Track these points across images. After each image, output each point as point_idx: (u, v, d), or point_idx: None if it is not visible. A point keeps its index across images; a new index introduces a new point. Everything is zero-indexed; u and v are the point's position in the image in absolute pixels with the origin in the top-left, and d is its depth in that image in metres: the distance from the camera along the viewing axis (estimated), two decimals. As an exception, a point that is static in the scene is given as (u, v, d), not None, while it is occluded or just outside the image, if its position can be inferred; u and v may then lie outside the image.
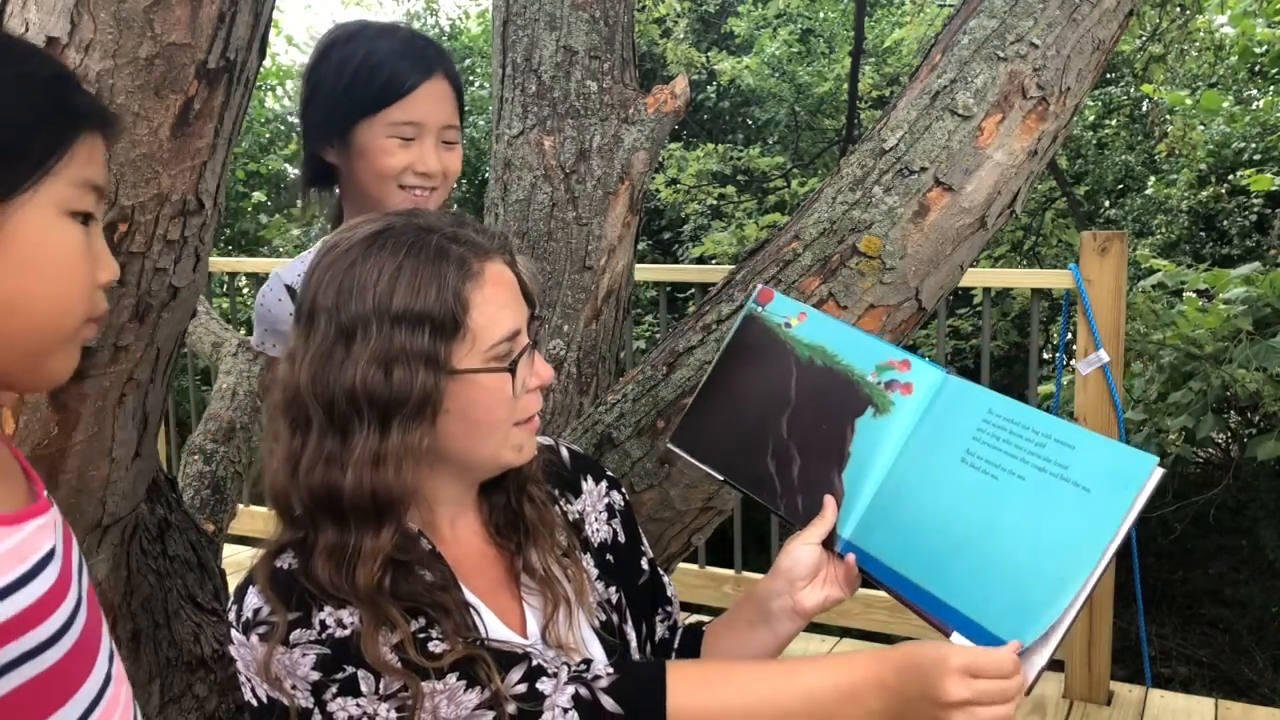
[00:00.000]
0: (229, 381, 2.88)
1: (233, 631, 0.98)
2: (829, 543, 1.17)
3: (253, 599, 0.97)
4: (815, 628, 3.61)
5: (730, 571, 3.62)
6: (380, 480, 0.95)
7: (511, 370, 1.01)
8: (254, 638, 0.95)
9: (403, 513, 0.98)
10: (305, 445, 0.97)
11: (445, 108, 1.48)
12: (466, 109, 1.68)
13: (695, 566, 3.62)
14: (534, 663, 0.97)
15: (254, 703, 0.98)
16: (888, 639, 3.44)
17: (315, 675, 0.93)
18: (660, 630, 1.25)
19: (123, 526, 1.55)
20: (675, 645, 1.26)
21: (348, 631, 0.94)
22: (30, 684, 0.81)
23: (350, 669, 0.93)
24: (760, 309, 1.30)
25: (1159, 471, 0.99)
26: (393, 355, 0.95)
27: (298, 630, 0.94)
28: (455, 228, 1.01)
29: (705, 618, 3.67)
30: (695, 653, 1.24)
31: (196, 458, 2.66)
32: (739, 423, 1.26)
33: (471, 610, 1.02)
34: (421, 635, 0.96)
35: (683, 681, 0.96)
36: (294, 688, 0.93)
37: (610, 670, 0.98)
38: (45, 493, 0.89)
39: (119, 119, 0.96)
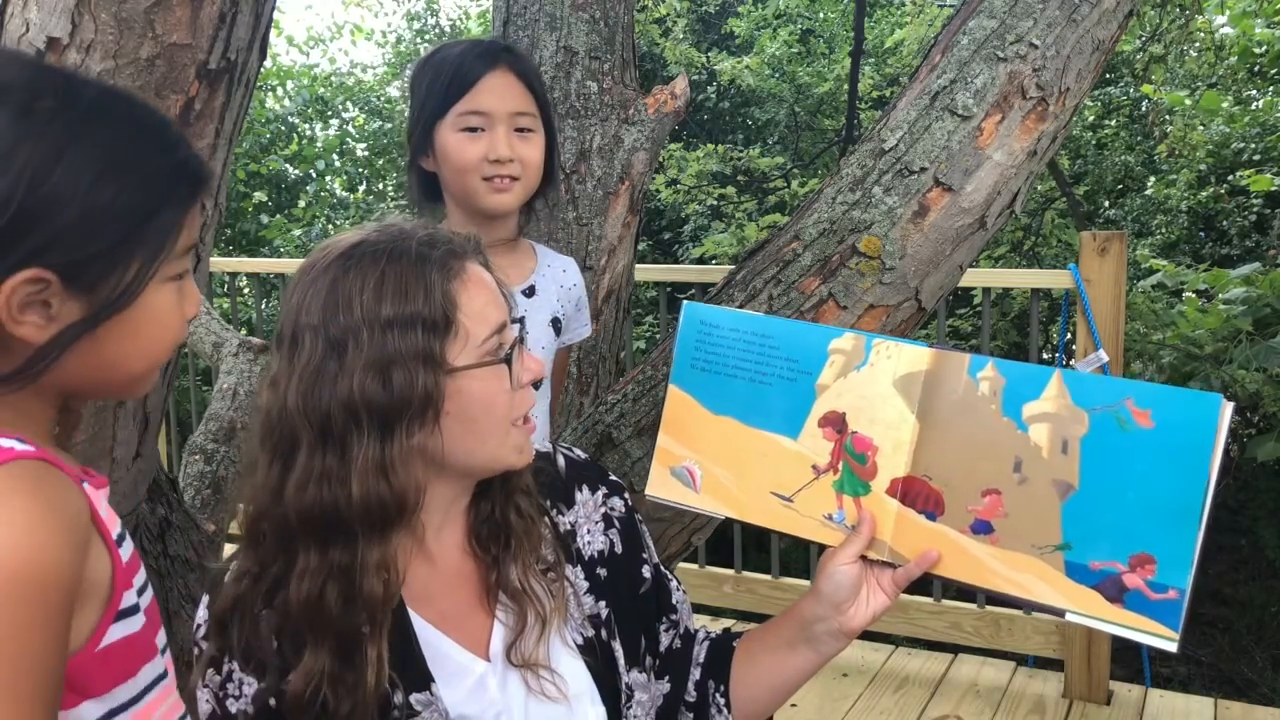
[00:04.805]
0: (230, 381, 2.88)
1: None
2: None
3: (201, 612, 1.02)
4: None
5: (730, 571, 3.63)
6: (389, 486, 0.94)
7: (508, 361, 1.01)
8: (199, 650, 1.02)
9: (413, 516, 0.97)
10: (291, 468, 0.95)
11: (512, 95, 1.51)
12: None
13: (695, 566, 3.62)
14: None
15: None
16: (887, 638, 3.45)
17: None
18: (667, 639, 1.21)
19: (123, 526, 1.55)
20: (700, 660, 1.22)
21: (240, 704, 0.98)
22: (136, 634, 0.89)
23: None
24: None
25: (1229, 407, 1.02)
26: (389, 360, 0.93)
27: (210, 670, 1.00)
28: (429, 232, 1.01)
29: (707, 618, 3.67)
30: (725, 670, 1.20)
31: (197, 458, 2.66)
32: None
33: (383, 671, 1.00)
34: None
35: None
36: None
37: None
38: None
39: (214, 175, 0.96)
